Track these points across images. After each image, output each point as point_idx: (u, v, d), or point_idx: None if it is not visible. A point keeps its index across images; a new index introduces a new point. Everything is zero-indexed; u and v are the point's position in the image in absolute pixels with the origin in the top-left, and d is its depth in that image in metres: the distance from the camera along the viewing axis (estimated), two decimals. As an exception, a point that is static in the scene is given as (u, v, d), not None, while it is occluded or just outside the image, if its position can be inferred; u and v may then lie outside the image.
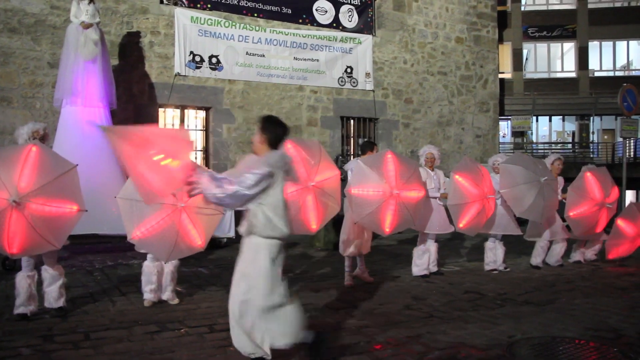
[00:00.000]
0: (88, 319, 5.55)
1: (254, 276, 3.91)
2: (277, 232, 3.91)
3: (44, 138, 5.83)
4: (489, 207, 7.77)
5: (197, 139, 13.00)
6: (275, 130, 4.07)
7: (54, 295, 5.64)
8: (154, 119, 12.15)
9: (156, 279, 6.07)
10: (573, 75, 26.15)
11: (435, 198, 7.77)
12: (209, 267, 8.43)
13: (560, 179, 8.85)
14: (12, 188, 4.80)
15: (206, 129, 13.00)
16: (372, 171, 6.60)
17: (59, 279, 5.67)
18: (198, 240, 5.53)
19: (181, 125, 12.60)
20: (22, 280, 5.51)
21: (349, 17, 14.47)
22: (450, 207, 7.54)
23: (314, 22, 14.02)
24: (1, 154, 5.10)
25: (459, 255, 9.93)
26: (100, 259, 8.90)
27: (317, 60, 13.96)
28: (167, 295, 6.17)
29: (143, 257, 6.29)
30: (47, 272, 5.62)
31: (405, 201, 6.65)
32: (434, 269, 8.00)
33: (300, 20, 13.82)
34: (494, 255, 8.35)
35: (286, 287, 3.98)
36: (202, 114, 13.04)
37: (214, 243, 10.23)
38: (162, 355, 4.50)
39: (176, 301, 6.19)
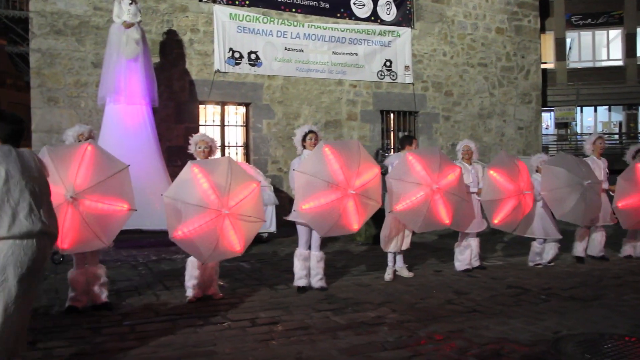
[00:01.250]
0: (133, 312, 5.68)
1: None
2: None
3: (89, 139, 5.98)
4: (525, 203, 7.61)
5: (238, 134, 13.13)
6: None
7: (97, 292, 5.79)
8: (194, 116, 12.32)
9: (199, 275, 6.16)
10: (620, 63, 25.37)
11: (474, 193, 7.67)
12: (250, 262, 8.51)
13: (604, 160, 8.64)
14: (69, 184, 5.00)
15: (246, 125, 13.11)
16: (404, 181, 6.64)
17: (101, 278, 5.81)
18: (237, 246, 5.64)
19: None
20: (78, 277, 5.69)
21: (387, 10, 14.36)
22: (484, 203, 7.44)
23: (352, 16, 13.96)
24: (58, 152, 5.26)
25: (501, 249, 9.78)
26: (144, 254, 9.09)
27: (356, 54, 13.91)
28: (210, 290, 6.26)
29: (186, 252, 6.39)
30: (91, 271, 5.77)
31: (449, 188, 6.69)
32: (476, 263, 7.90)
33: (338, 15, 13.79)
34: (540, 256, 8.20)
35: None
36: (242, 109, 13.15)
37: (256, 238, 10.31)
38: (205, 348, 4.57)
39: (220, 296, 6.27)
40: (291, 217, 6.60)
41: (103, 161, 5.31)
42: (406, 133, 14.67)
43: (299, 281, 6.61)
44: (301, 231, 6.61)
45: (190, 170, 5.50)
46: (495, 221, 7.48)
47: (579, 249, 8.51)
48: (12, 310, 3.41)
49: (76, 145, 5.46)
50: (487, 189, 7.41)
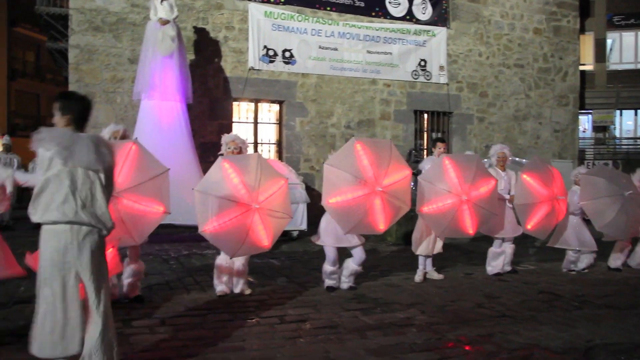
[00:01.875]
0: (164, 306, 5.76)
1: None
2: None
3: (124, 137, 6.07)
4: (559, 209, 7.49)
5: (271, 132, 13.19)
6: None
7: (131, 287, 5.87)
8: (228, 113, 12.42)
9: (228, 273, 6.21)
10: (662, 65, 24.76)
11: (505, 200, 7.57)
12: (280, 259, 8.55)
13: None
14: None
15: (279, 123, 13.16)
16: (436, 185, 6.60)
17: (137, 274, 5.89)
18: (265, 241, 5.66)
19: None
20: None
21: (423, 9, 14.25)
22: (518, 207, 7.35)
23: (387, 14, 13.89)
24: None
25: (534, 253, 9.63)
26: (175, 248, 9.20)
27: (391, 53, 13.84)
28: (239, 288, 6.30)
29: (217, 248, 6.45)
30: (130, 266, 5.85)
31: (478, 200, 6.61)
32: (508, 268, 7.80)
33: (373, 13, 13.74)
34: (574, 264, 8.06)
35: None
36: (275, 107, 13.20)
37: (286, 235, 10.36)
38: (233, 344, 4.61)
39: (248, 292, 6.31)
40: (319, 242, 6.60)
41: (145, 162, 5.39)
42: (439, 135, 14.56)
43: (329, 282, 6.61)
44: (328, 252, 6.55)
45: (221, 166, 5.55)
46: (529, 226, 7.38)
47: (617, 261, 8.28)
48: (47, 294, 3.43)
49: (121, 142, 5.53)
50: (520, 192, 7.31)
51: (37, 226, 3.50)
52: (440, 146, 7.70)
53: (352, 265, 6.59)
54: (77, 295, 3.48)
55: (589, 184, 7.60)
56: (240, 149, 6.24)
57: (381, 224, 6.14)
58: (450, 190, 6.53)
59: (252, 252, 5.90)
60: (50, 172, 3.42)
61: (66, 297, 3.44)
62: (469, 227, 6.67)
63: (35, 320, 3.44)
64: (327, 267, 6.58)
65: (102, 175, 3.59)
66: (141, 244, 5.77)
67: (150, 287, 6.54)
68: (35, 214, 3.42)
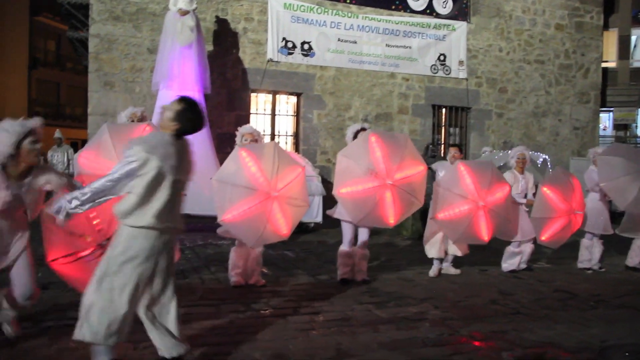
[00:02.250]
0: (178, 295, 5.78)
1: None
2: None
3: (142, 120, 6.10)
4: (575, 222, 7.48)
5: (288, 124, 13.20)
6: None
7: None
8: (246, 104, 12.44)
9: (243, 264, 6.24)
10: (688, 64, 24.34)
11: (521, 204, 7.52)
12: (295, 251, 8.57)
13: None
14: None
15: (297, 115, 13.17)
16: (451, 192, 6.59)
17: None
18: (284, 229, 5.66)
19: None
20: None
21: (443, 3, 14.13)
22: (534, 220, 7.29)
23: (406, 8, 13.80)
24: (118, 130, 5.31)
25: (550, 252, 9.55)
26: (191, 238, 9.25)
27: (410, 47, 13.76)
28: (253, 279, 6.33)
29: (232, 238, 6.48)
30: None
31: (494, 206, 6.62)
32: (523, 265, 7.75)
33: (393, 7, 13.65)
34: (590, 253, 7.97)
35: None
36: (293, 99, 13.21)
37: (302, 227, 10.38)
38: (246, 334, 4.63)
39: (262, 282, 6.34)
40: (336, 215, 6.60)
41: None
42: (457, 130, 14.49)
43: (343, 275, 6.62)
44: (346, 229, 6.60)
45: (238, 155, 5.57)
46: (543, 238, 7.37)
47: (635, 259, 8.15)
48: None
49: (136, 124, 5.53)
50: (538, 206, 7.24)
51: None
52: (452, 151, 7.65)
53: (358, 250, 6.63)
54: (144, 294, 3.65)
55: (607, 165, 7.50)
56: (256, 141, 6.25)
57: (391, 218, 6.11)
58: (466, 197, 6.51)
59: (271, 240, 5.89)
60: (147, 179, 3.43)
61: (135, 295, 3.53)
62: (485, 233, 6.67)
63: (89, 308, 3.44)
64: (343, 248, 6.60)
65: (185, 182, 3.76)
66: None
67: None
68: (129, 217, 3.46)
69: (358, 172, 5.93)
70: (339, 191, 5.99)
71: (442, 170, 7.50)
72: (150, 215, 3.47)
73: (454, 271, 7.38)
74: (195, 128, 3.70)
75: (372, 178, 5.89)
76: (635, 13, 24.19)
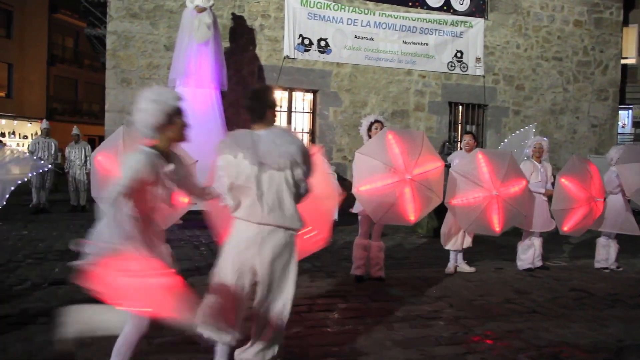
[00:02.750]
0: (193, 291, 5.83)
1: None
2: None
3: None
4: (596, 209, 7.40)
5: (304, 121, 13.22)
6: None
7: None
8: (262, 101, 12.46)
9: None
10: None
11: (540, 194, 7.48)
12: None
13: None
14: None
15: (313, 112, 13.19)
16: (467, 179, 6.57)
17: None
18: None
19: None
20: None
21: (460, 0, 14.06)
22: (555, 212, 7.24)
23: (423, 5, 13.74)
24: (133, 135, 5.30)
25: (567, 250, 9.49)
26: (206, 235, 9.29)
27: (427, 44, 13.71)
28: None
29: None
30: None
31: (508, 198, 6.56)
32: (539, 263, 7.71)
33: (410, 3, 13.61)
34: (607, 253, 7.91)
35: None
36: (309, 96, 13.23)
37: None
38: (262, 331, 4.66)
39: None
40: (354, 209, 6.64)
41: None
42: (473, 128, 14.42)
43: (357, 270, 6.63)
44: (362, 221, 6.63)
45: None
46: (565, 228, 7.31)
47: None
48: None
49: None
50: (558, 197, 7.18)
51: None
52: (467, 138, 7.63)
53: (374, 243, 6.71)
54: (246, 291, 3.56)
55: (628, 174, 7.43)
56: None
57: (411, 215, 6.05)
58: (481, 185, 6.48)
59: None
60: (238, 180, 3.37)
61: (236, 290, 3.52)
62: (496, 224, 6.58)
63: (204, 300, 3.56)
64: (359, 240, 6.67)
65: (289, 173, 3.41)
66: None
67: (181, 273, 6.64)
68: (232, 208, 3.47)
69: (377, 168, 5.91)
70: (358, 189, 5.98)
71: (457, 159, 7.49)
72: (242, 208, 3.50)
73: (468, 269, 7.37)
74: (253, 108, 3.50)
75: (390, 174, 5.87)
76: (656, 9, 23.84)
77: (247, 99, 3.56)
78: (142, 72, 11.45)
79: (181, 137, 3.33)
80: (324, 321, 5.03)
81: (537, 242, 7.67)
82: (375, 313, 5.33)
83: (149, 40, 11.48)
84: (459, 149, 13.78)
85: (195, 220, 9.85)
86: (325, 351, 4.27)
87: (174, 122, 3.26)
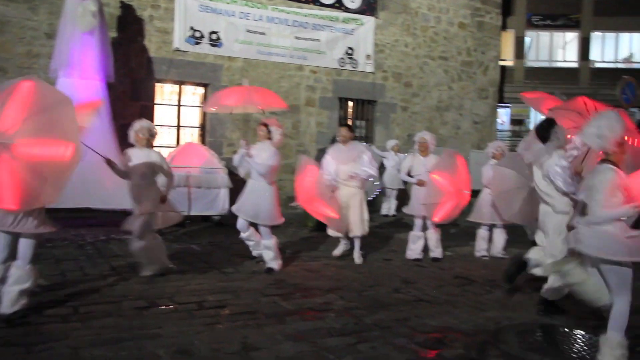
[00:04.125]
0: (78, 293, 5.56)
1: None
2: None
3: None
4: (463, 200, 7.96)
5: (194, 115, 12.93)
6: None
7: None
8: (151, 94, 12.08)
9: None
10: (574, 65, 25.99)
11: (413, 183, 7.99)
12: (201, 245, 8.43)
13: None
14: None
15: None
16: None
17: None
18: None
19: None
20: None
21: (352, -2, 14.31)
22: (426, 206, 7.69)
23: (316, 1, 13.84)
24: None
25: (451, 240, 9.93)
26: (92, 233, 8.87)
27: (318, 40, 13.83)
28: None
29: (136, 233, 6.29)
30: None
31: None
32: (438, 255, 8.03)
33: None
34: (485, 243, 8.39)
35: None
36: (200, 90, 12.94)
37: (208, 221, 10.25)
38: (150, 331, 4.52)
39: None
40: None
41: (42, 97, 4.45)
42: (363, 122, 14.74)
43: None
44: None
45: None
46: (436, 219, 7.80)
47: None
48: None
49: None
50: (430, 192, 7.67)
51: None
52: (342, 130, 7.83)
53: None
54: None
55: (500, 176, 7.90)
56: (148, 139, 6.32)
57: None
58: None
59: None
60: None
61: None
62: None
63: None
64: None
65: None
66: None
67: (63, 273, 6.31)
68: None
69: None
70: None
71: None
72: None
73: (358, 259, 7.58)
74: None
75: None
76: (529, 16, 25.56)
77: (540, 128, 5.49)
78: (20, 60, 10.68)
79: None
80: (215, 318, 4.96)
81: (430, 234, 8.05)
82: (267, 307, 5.32)
83: (27, 27, 10.73)
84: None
85: (80, 219, 9.42)
86: (217, 348, 4.20)
87: None
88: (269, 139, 6.98)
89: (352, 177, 7.48)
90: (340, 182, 7.50)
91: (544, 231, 5.65)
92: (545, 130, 5.50)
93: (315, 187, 7.36)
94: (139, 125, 6.31)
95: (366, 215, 7.72)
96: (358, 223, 7.55)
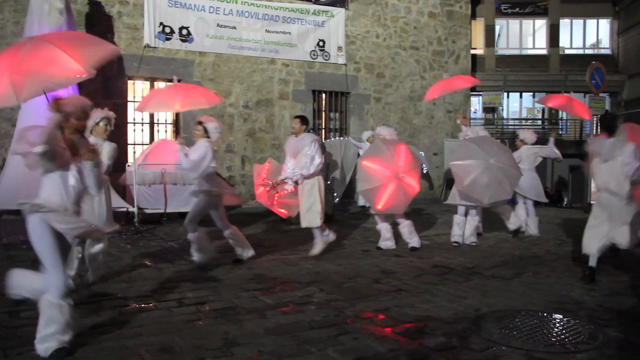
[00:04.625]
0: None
1: None
2: None
3: None
4: (407, 185, 7.78)
5: (167, 113, 12.80)
6: None
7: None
8: (122, 91, 11.93)
9: None
10: (544, 52, 26.28)
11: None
12: (179, 242, 8.37)
13: None
14: None
15: (176, 102, 12.78)
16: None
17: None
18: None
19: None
20: None
21: (322, -10, 14.28)
22: (362, 193, 7.77)
23: (286, -6, 13.81)
24: None
25: (429, 229, 10.03)
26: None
27: (289, 33, 13.80)
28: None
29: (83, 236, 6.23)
30: None
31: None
32: (415, 244, 8.07)
33: (272, -8, 13.61)
34: (460, 229, 8.48)
35: None
36: (172, 86, 12.81)
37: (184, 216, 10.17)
38: (130, 330, 4.47)
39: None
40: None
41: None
42: (337, 114, 14.75)
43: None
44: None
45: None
46: (379, 207, 7.74)
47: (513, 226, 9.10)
48: None
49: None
50: (361, 179, 7.74)
51: None
52: (294, 122, 7.72)
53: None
54: None
55: (464, 147, 8.01)
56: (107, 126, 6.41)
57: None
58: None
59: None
60: None
61: None
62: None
63: None
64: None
65: None
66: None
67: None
68: None
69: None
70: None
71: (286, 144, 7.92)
72: None
73: (317, 250, 7.58)
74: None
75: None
76: (498, 4, 25.78)
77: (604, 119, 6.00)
78: (-15, 61, 10.46)
79: None
80: (195, 315, 4.92)
81: (401, 225, 8.07)
82: (247, 302, 5.30)
83: (-8, 26, 10.53)
84: (323, 137, 14.13)
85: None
86: (198, 345, 4.17)
87: None
88: (207, 137, 6.82)
89: (284, 182, 7.35)
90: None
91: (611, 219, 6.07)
92: (609, 122, 6.13)
93: (265, 181, 7.43)
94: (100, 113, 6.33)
95: (317, 207, 7.35)
96: (304, 214, 7.42)
